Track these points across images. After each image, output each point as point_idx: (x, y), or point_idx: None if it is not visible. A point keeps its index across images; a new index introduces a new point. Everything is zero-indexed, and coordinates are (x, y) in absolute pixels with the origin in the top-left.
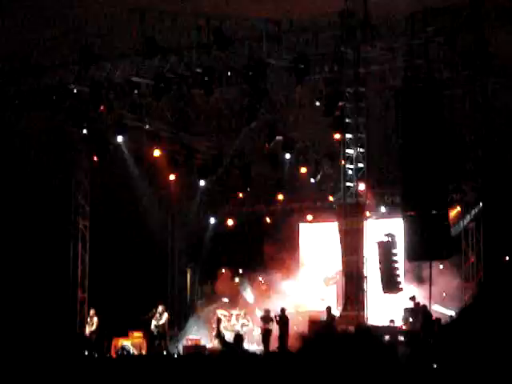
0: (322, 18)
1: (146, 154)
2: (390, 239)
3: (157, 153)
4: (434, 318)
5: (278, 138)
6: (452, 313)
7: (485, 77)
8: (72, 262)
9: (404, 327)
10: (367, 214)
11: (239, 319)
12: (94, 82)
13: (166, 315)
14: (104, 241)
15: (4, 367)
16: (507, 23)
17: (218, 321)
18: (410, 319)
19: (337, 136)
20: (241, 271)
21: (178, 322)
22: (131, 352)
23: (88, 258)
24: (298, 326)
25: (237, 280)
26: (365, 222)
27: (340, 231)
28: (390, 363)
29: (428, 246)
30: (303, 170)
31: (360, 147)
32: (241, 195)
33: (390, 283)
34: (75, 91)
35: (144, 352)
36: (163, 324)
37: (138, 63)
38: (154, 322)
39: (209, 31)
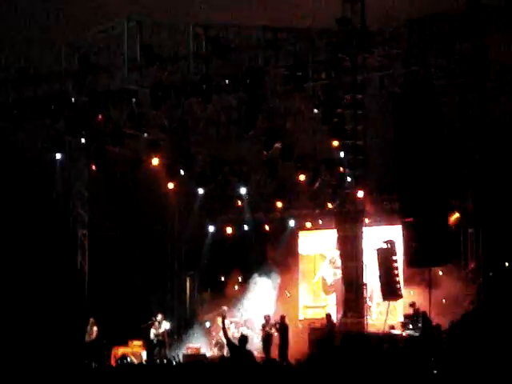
0: (320, 26)
1: (144, 163)
2: (389, 246)
3: (155, 161)
4: (434, 324)
5: (277, 145)
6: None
7: (482, 83)
8: (71, 271)
9: (404, 334)
10: (366, 220)
11: (239, 327)
12: (92, 92)
13: (165, 324)
14: (103, 249)
15: (5, 376)
16: (504, 30)
17: (223, 327)
18: (410, 326)
19: (335, 143)
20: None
21: (177, 331)
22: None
23: (87, 267)
24: (298, 333)
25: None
26: (364, 228)
27: (339, 238)
28: (390, 370)
29: (428, 251)
30: (302, 177)
31: (358, 154)
32: (240, 203)
33: (390, 290)
34: (73, 100)
35: (144, 361)
36: (162, 332)
37: (135, 72)
38: (153, 331)
39: (206, 40)
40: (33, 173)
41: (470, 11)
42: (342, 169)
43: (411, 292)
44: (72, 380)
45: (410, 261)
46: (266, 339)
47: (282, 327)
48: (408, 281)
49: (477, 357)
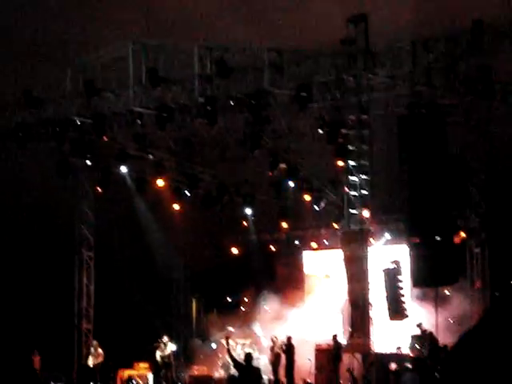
0: (324, 46)
1: (149, 184)
2: (395, 266)
3: (161, 183)
4: (441, 344)
5: (282, 165)
6: None
7: (487, 103)
8: (77, 293)
9: (411, 354)
10: (371, 240)
11: (245, 349)
12: (96, 113)
13: (170, 345)
14: (109, 271)
15: None
16: (509, 49)
17: (228, 348)
18: (417, 346)
19: (340, 163)
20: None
21: (183, 352)
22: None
23: (93, 289)
24: (304, 355)
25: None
26: (369, 248)
27: (344, 258)
28: None
29: (434, 271)
30: (307, 197)
31: (363, 174)
32: (245, 223)
33: (396, 310)
34: (78, 122)
35: (150, 383)
36: (168, 354)
37: (140, 94)
38: (159, 353)
39: (211, 61)
40: (38, 195)
41: (474, 31)
42: (346, 189)
43: (418, 312)
44: None
45: (416, 280)
46: (275, 361)
47: (289, 348)
48: (414, 300)
49: (484, 376)
